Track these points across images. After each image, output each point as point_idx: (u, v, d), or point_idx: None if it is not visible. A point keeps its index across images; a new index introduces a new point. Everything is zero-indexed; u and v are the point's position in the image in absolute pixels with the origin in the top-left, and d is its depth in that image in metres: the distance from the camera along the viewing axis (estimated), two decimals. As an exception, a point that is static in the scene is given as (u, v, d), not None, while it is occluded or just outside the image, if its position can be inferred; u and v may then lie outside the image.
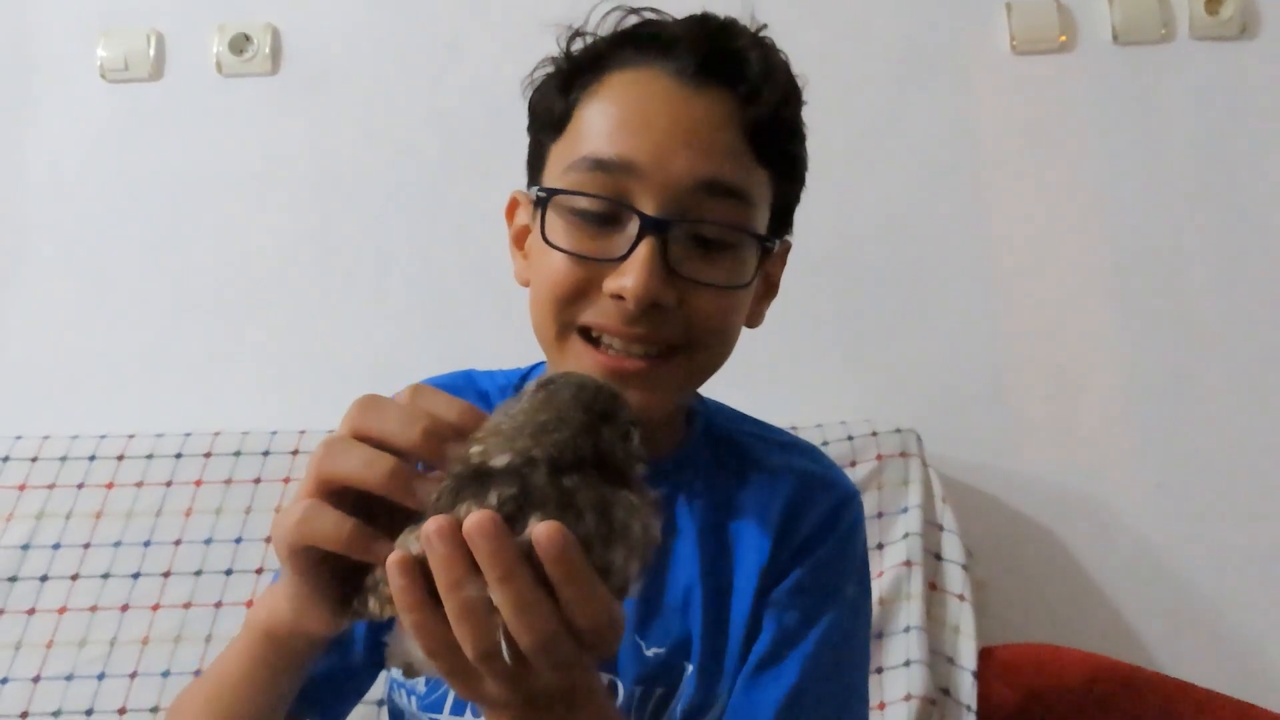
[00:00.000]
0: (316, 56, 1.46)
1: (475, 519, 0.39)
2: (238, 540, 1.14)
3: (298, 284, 1.42)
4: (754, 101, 0.62)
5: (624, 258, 0.59)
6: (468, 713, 0.67)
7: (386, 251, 1.42)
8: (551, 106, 0.66)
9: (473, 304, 1.39)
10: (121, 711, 1.05)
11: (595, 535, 0.41)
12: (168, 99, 1.46)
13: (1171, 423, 1.33)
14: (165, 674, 1.07)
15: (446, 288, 1.40)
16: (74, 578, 1.12)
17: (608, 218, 0.61)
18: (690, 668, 0.66)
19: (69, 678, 1.06)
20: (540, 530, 0.39)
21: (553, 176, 0.64)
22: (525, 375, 0.76)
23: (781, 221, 0.69)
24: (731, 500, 0.70)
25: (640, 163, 0.60)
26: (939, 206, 1.39)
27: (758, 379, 1.34)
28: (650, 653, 0.66)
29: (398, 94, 1.45)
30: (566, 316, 0.62)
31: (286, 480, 1.19)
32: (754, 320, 0.70)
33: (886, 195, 1.40)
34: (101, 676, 1.07)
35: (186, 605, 1.11)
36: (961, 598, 1.14)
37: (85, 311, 1.41)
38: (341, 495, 0.45)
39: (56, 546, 1.13)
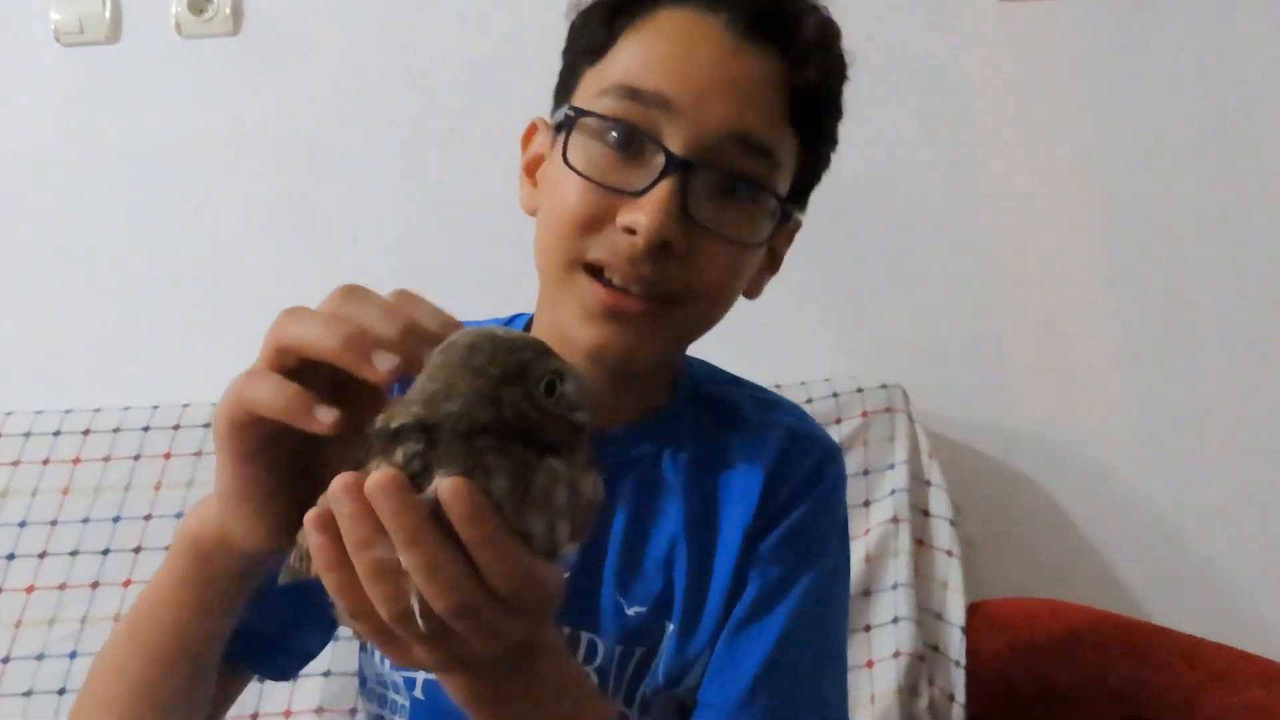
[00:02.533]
0: (279, 15, 1.41)
1: (376, 477, 0.37)
2: (210, 513, 1.12)
3: (269, 252, 1.38)
4: (802, 67, 0.61)
5: (643, 192, 0.58)
6: None
7: (362, 216, 1.39)
8: (594, 33, 0.64)
9: (453, 268, 1.36)
10: (95, 690, 1.02)
11: (508, 500, 0.37)
12: (126, 63, 1.41)
13: (1160, 375, 1.32)
14: (139, 650, 1.04)
15: (426, 252, 1.37)
16: (41, 555, 1.09)
17: (633, 149, 0.59)
18: (671, 627, 0.65)
19: (39, 657, 1.04)
20: (445, 486, 0.36)
21: (583, 101, 0.62)
22: (505, 325, 0.74)
23: (799, 195, 0.67)
24: (716, 458, 0.69)
25: (677, 100, 0.58)
26: (925, 160, 1.36)
27: (743, 336, 1.31)
28: (631, 612, 0.65)
29: (367, 52, 1.40)
30: (575, 249, 0.60)
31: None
32: (753, 291, 0.70)
33: (872, 148, 1.37)
34: (74, 655, 1.04)
35: (159, 580, 1.08)
36: (949, 553, 1.13)
37: (46, 285, 1.37)
38: (297, 376, 0.41)
39: (23, 524, 1.10)
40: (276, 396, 0.40)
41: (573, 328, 0.61)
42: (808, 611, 0.65)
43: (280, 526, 0.45)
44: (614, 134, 0.59)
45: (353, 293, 0.42)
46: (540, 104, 1.50)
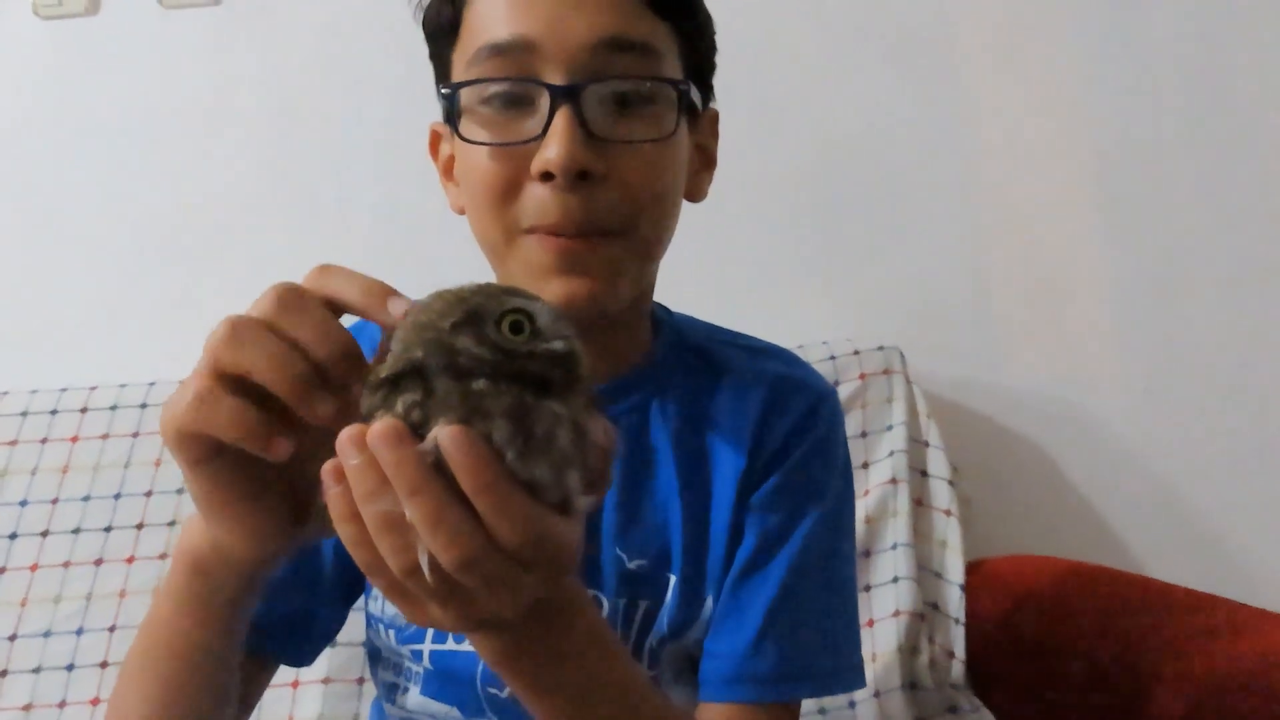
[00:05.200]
0: (260, -16, 1.38)
1: (376, 428, 0.36)
2: (210, 489, 1.12)
3: (257, 223, 1.37)
4: None
5: (543, 134, 0.58)
6: (449, 640, 0.65)
7: (349, 185, 1.37)
8: (441, 13, 0.65)
9: (441, 235, 1.33)
10: (103, 665, 1.03)
11: (509, 444, 0.37)
12: (106, 35, 1.38)
13: (1157, 329, 1.32)
14: (145, 626, 1.05)
15: (414, 220, 1.35)
16: (44, 534, 1.09)
17: (519, 100, 0.59)
18: (673, 578, 0.65)
19: (46, 634, 1.04)
20: (444, 434, 0.36)
21: (458, 77, 0.62)
22: None
23: (700, 84, 0.66)
24: (705, 408, 0.68)
25: (536, 37, 0.58)
26: (915, 114, 1.35)
27: (737, 299, 1.32)
28: (633, 565, 0.65)
29: (350, 19, 1.38)
30: (507, 219, 0.60)
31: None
32: (695, 193, 0.69)
33: (861, 105, 1.36)
34: (80, 631, 1.05)
35: (162, 556, 1.08)
36: (948, 513, 1.13)
37: (33, 262, 1.36)
38: (235, 386, 0.41)
39: (23, 504, 1.10)
40: (232, 423, 0.40)
41: (536, 291, 0.61)
42: (810, 554, 0.65)
43: (275, 531, 0.44)
44: (495, 93, 0.59)
45: (294, 302, 0.41)
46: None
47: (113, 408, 1.16)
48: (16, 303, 1.35)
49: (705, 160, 0.69)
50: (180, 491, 1.12)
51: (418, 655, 0.66)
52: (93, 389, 1.18)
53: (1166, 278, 1.32)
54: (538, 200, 0.59)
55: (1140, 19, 1.34)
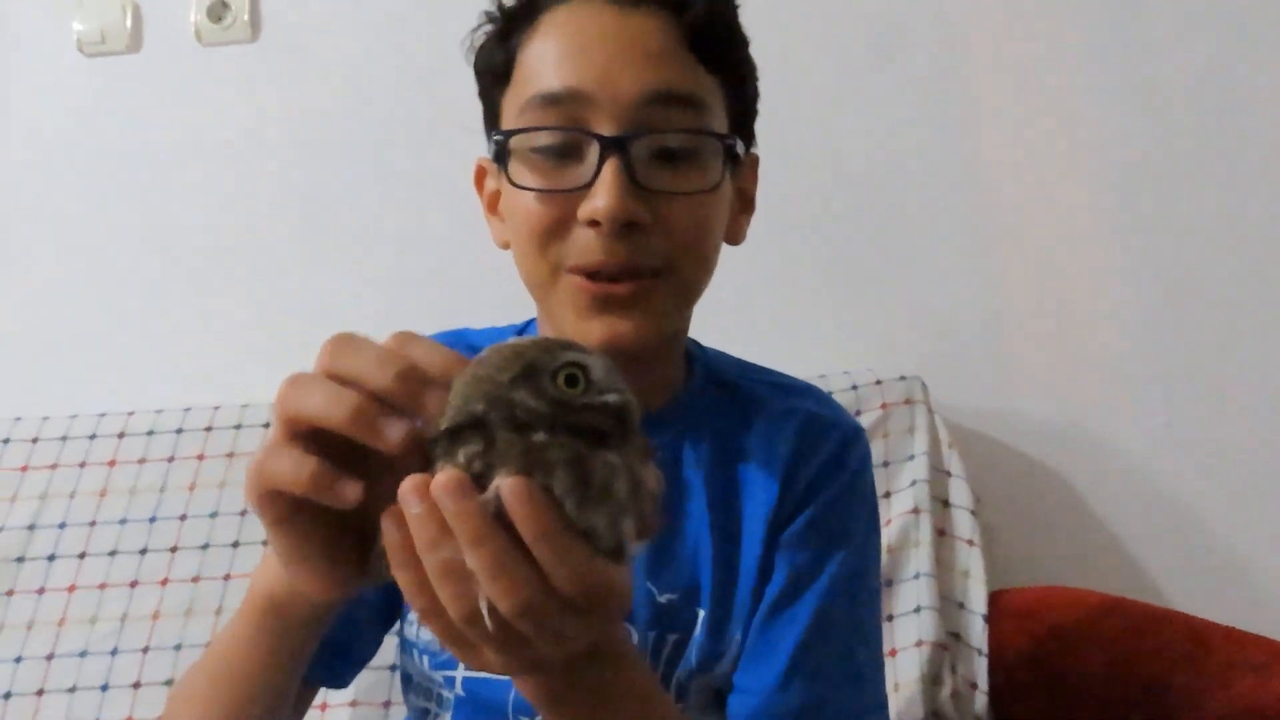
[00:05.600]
0: (296, 21, 1.43)
1: (440, 479, 0.37)
2: (243, 513, 1.14)
3: (288, 253, 1.40)
4: (685, 9, 0.63)
5: (591, 183, 0.60)
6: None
7: (375, 217, 1.40)
8: (494, 59, 0.67)
9: (463, 267, 1.37)
10: (136, 685, 1.05)
11: (570, 494, 0.38)
12: (147, 71, 1.43)
13: (1179, 359, 1.31)
14: (177, 647, 1.07)
15: (436, 252, 1.39)
16: (81, 556, 1.12)
17: (568, 149, 0.61)
18: (702, 613, 0.66)
19: (82, 654, 1.07)
20: (506, 485, 0.37)
21: (508, 124, 0.65)
22: (520, 331, 0.75)
23: (742, 130, 0.68)
24: (737, 445, 0.70)
25: (587, 88, 0.60)
26: (931, 144, 1.36)
27: (759, 329, 1.33)
28: (663, 599, 0.66)
29: (381, 55, 1.42)
30: (551, 258, 0.62)
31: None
32: (735, 236, 0.70)
33: (877, 134, 1.37)
34: (115, 652, 1.07)
35: (195, 579, 1.11)
36: (971, 543, 1.13)
37: (73, 289, 1.40)
38: (314, 441, 0.41)
39: (62, 526, 1.13)
40: (298, 474, 0.40)
41: (576, 332, 0.62)
42: (838, 592, 0.66)
43: (349, 572, 0.45)
44: (546, 142, 0.61)
45: (345, 343, 0.42)
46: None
47: (149, 433, 1.19)
48: (53, 328, 1.39)
49: (745, 204, 0.71)
50: (214, 516, 1.14)
51: (450, 682, 0.67)
52: (130, 414, 1.21)
53: (1187, 305, 1.32)
54: (583, 243, 0.61)
55: (1154, 43, 1.34)
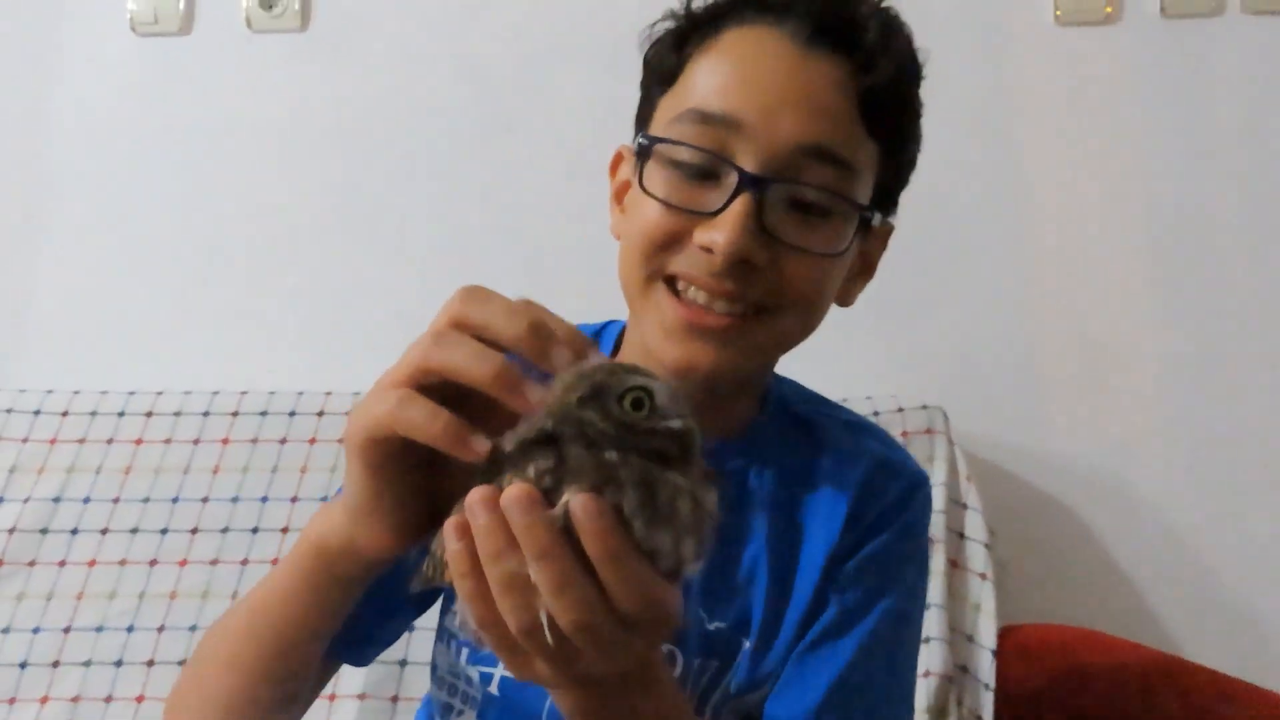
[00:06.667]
0: (346, 12, 1.44)
1: (511, 492, 0.38)
2: (263, 499, 1.15)
3: (324, 242, 1.42)
4: (868, 71, 0.61)
5: (719, 212, 0.58)
6: None
7: (412, 208, 1.42)
8: (665, 60, 0.65)
9: (498, 260, 1.39)
10: (150, 663, 1.07)
11: (638, 513, 0.39)
12: (196, 54, 1.45)
13: (1203, 405, 1.31)
14: (192, 628, 1.08)
15: (472, 244, 1.40)
16: (104, 531, 1.13)
17: (707, 172, 0.60)
18: (747, 645, 0.66)
19: (99, 629, 1.08)
20: (576, 502, 0.38)
21: (658, 128, 0.63)
22: (597, 333, 0.74)
23: (885, 199, 0.67)
24: (802, 478, 0.69)
25: (746, 119, 0.59)
26: (974, 179, 1.36)
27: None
28: (712, 627, 0.65)
29: (424, 49, 1.43)
30: (655, 264, 0.61)
31: (312, 441, 1.20)
32: (846, 298, 0.69)
33: (921, 166, 1.37)
34: (131, 629, 1.08)
35: (213, 562, 1.12)
36: (983, 576, 1.13)
37: (113, 266, 1.42)
38: (429, 394, 0.42)
39: (87, 500, 1.15)
40: (431, 423, 0.41)
41: (657, 345, 0.62)
42: (881, 635, 0.65)
43: (406, 533, 0.46)
44: (688, 159, 0.60)
45: (476, 293, 0.43)
46: (591, 105, 1.52)
47: (177, 414, 1.21)
48: (93, 304, 1.41)
49: (865, 268, 0.70)
50: (235, 500, 1.15)
51: (487, 678, 0.67)
52: (159, 394, 1.23)
53: (1216, 353, 1.32)
54: (692, 259, 0.60)
55: (1198, 88, 1.34)
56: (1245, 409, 1.31)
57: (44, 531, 1.13)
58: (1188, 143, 1.34)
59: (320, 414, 1.22)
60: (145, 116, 1.44)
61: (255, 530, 1.14)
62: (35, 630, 1.08)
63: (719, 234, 0.58)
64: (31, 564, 1.11)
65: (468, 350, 0.41)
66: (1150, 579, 1.30)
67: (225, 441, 1.19)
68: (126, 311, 1.40)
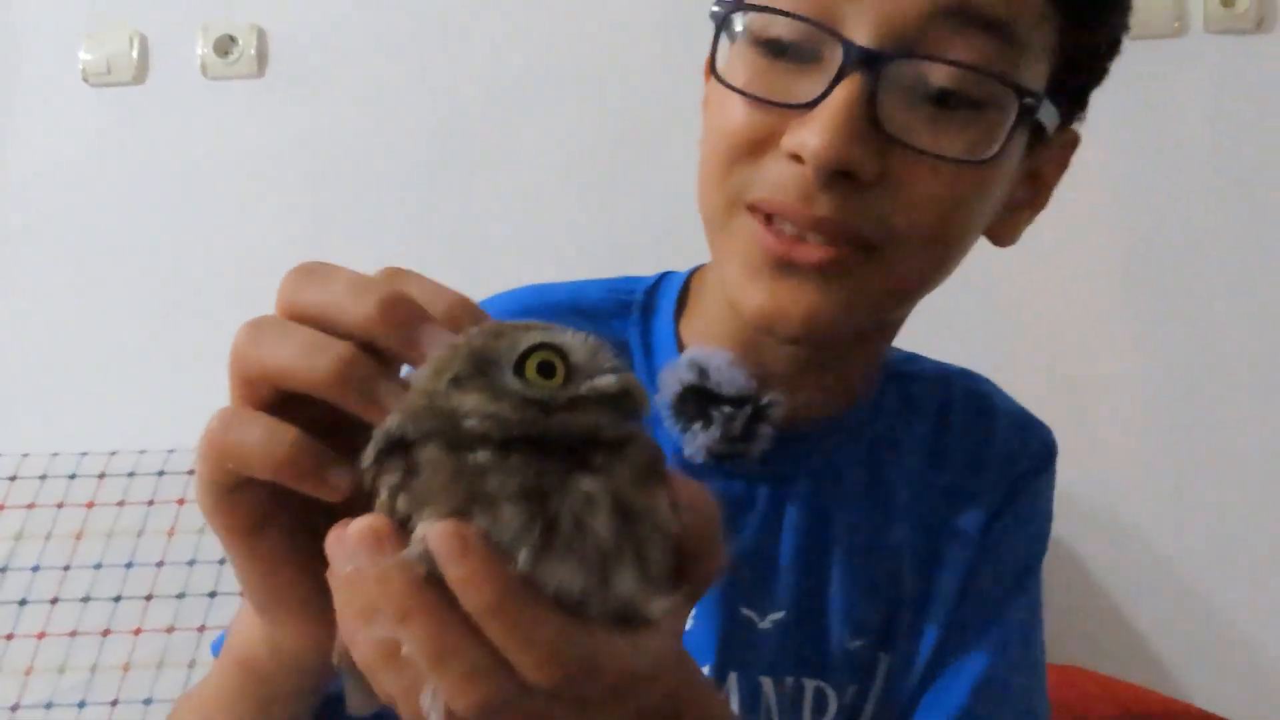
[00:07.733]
0: (303, 58, 1.42)
1: (353, 528, 0.27)
2: (222, 561, 1.11)
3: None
4: None
5: (814, 103, 0.43)
6: None
7: (375, 252, 1.38)
8: None
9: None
10: (102, 740, 1.02)
11: (521, 540, 0.26)
12: (152, 103, 1.43)
13: (1189, 432, 1.29)
14: (148, 701, 1.03)
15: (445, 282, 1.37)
16: (53, 601, 1.09)
17: (806, 52, 0.44)
18: (885, 659, 0.54)
19: (48, 706, 1.03)
20: (432, 533, 0.26)
21: None
22: (651, 288, 0.58)
23: (1065, 93, 0.48)
24: (935, 461, 0.57)
25: None
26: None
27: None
28: (853, 646, 0.54)
29: (386, 92, 1.41)
30: (734, 185, 0.46)
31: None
32: (1002, 235, 0.53)
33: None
34: (82, 705, 1.03)
35: (169, 629, 1.07)
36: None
37: (69, 320, 1.38)
38: (282, 412, 0.30)
39: (35, 569, 1.10)
40: (270, 448, 0.29)
41: (737, 287, 0.47)
42: (1014, 630, 0.55)
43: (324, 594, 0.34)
44: (780, 34, 0.44)
45: (312, 270, 0.31)
46: (566, 133, 1.49)
47: (130, 474, 1.17)
48: (48, 361, 1.37)
49: (1034, 194, 0.53)
50: (191, 564, 1.11)
51: None
52: (112, 454, 1.19)
53: (1196, 378, 1.30)
54: (775, 175, 0.45)
55: (1168, 113, 1.33)
56: (1230, 435, 1.28)
57: (-10, 603, 1.08)
58: (1156, 166, 1.33)
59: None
60: (102, 169, 1.42)
61: (213, 595, 1.09)
62: (-20, 709, 1.03)
63: (810, 133, 0.42)
64: (-23, 638, 1.06)
65: (295, 342, 0.29)
66: (1142, 611, 1.26)
67: (181, 502, 1.15)
68: (80, 369, 1.36)
